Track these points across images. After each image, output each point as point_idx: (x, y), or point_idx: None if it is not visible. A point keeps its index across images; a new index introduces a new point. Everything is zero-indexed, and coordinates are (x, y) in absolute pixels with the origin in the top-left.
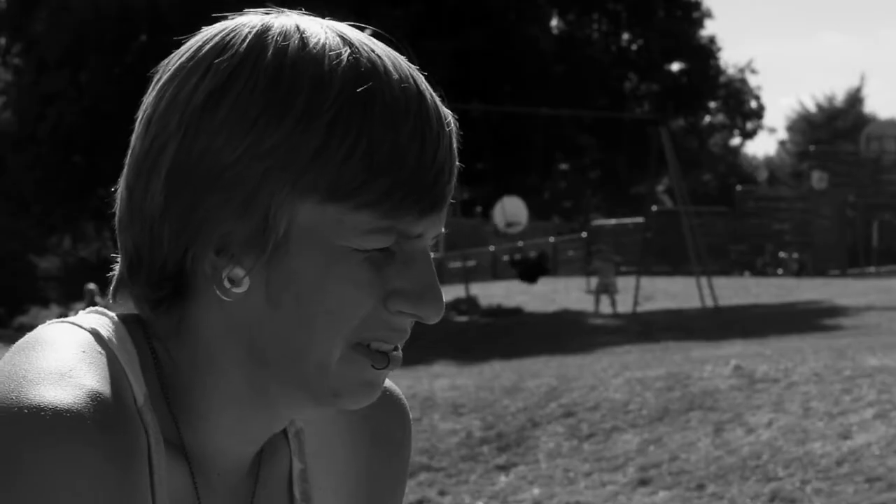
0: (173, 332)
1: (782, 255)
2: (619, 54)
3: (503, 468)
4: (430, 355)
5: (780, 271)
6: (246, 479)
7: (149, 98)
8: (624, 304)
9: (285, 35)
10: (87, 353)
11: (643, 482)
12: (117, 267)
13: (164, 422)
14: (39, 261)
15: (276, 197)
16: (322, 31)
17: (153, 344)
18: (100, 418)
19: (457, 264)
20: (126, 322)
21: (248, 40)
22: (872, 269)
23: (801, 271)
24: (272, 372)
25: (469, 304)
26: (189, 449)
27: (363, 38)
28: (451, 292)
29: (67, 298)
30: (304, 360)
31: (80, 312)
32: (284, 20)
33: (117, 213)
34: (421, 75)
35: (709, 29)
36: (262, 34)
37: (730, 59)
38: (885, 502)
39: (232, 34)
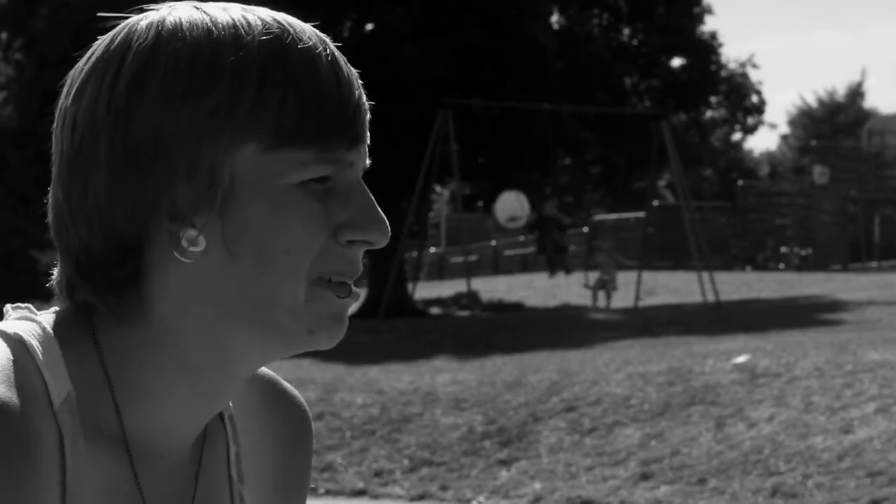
0: (131, 317)
1: (784, 249)
2: (620, 50)
3: (505, 463)
4: (432, 350)
5: (781, 266)
6: (188, 463)
7: (65, 103)
8: (625, 299)
9: (189, 13)
10: None
11: (645, 476)
12: (58, 274)
13: (102, 413)
14: (41, 256)
15: (219, 153)
16: (219, 7)
17: (97, 337)
18: None
19: (458, 259)
20: (58, 324)
21: (155, 24)
22: (874, 264)
23: (803, 265)
24: (240, 326)
25: (470, 298)
26: (131, 435)
27: (253, 7)
28: (452, 287)
29: None
30: (275, 305)
31: (12, 313)
32: (180, 7)
33: (53, 221)
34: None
35: (709, 24)
36: (164, 19)
37: (731, 54)
38: (887, 497)
39: (135, 25)
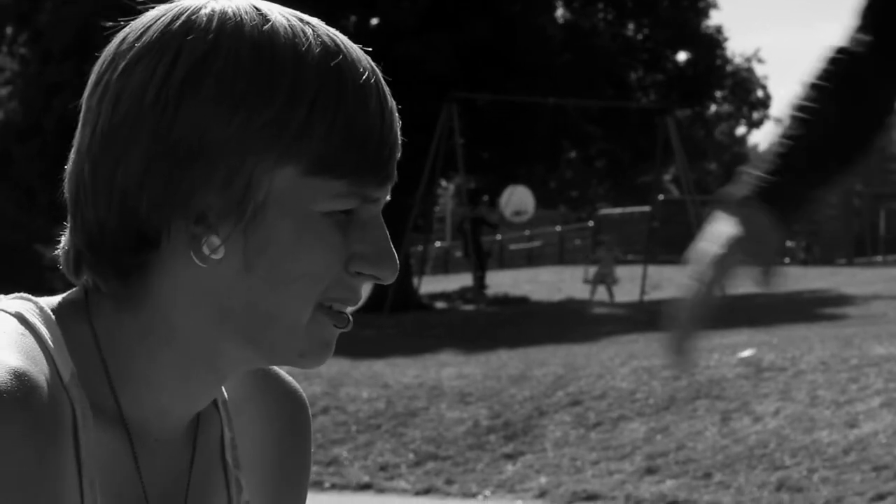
0: (130, 304)
1: (789, 244)
2: (625, 44)
3: (510, 457)
4: (437, 344)
5: (786, 260)
6: (183, 448)
7: (110, 75)
8: (630, 294)
9: (251, 12)
10: (9, 335)
11: (650, 471)
12: (65, 244)
13: (99, 394)
14: (45, 251)
15: (259, 169)
16: (276, 9)
17: (94, 322)
18: (19, 395)
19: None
20: (54, 304)
21: (217, 16)
22: (879, 258)
23: (808, 259)
24: (236, 335)
25: (475, 292)
26: (128, 417)
27: (311, 19)
28: (457, 281)
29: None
30: (275, 322)
31: (3, 299)
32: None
33: (72, 190)
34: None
35: (714, 19)
36: (226, 12)
37: (736, 48)
38: (892, 491)
39: (196, 12)
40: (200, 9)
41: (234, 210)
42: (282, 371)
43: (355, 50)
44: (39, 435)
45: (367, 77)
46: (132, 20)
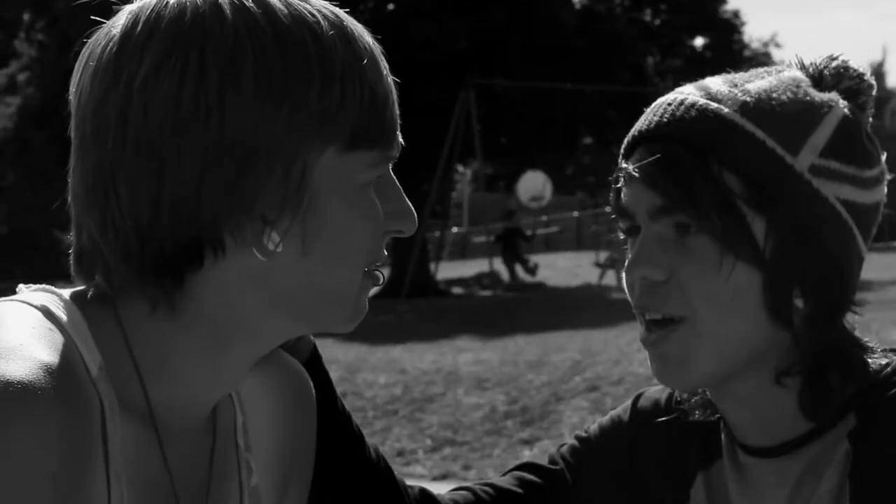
0: (167, 305)
1: None
2: (642, 28)
3: (527, 442)
4: (454, 330)
5: None
6: (204, 435)
7: (128, 87)
8: None
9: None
10: (37, 329)
11: None
12: (83, 253)
13: (127, 387)
14: (63, 236)
15: (311, 156)
16: None
17: (121, 318)
18: (51, 389)
19: (480, 239)
20: (80, 300)
21: (223, 10)
22: None
23: None
24: (286, 315)
25: (492, 278)
26: (155, 410)
27: None
28: (474, 267)
29: None
30: (330, 296)
31: (26, 290)
32: None
33: (101, 201)
34: None
35: (732, 3)
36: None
37: (753, 33)
38: None
39: (199, 8)
40: (198, 5)
41: (293, 199)
42: (282, 351)
43: (351, 20)
44: (73, 430)
45: (369, 40)
46: (99, 28)
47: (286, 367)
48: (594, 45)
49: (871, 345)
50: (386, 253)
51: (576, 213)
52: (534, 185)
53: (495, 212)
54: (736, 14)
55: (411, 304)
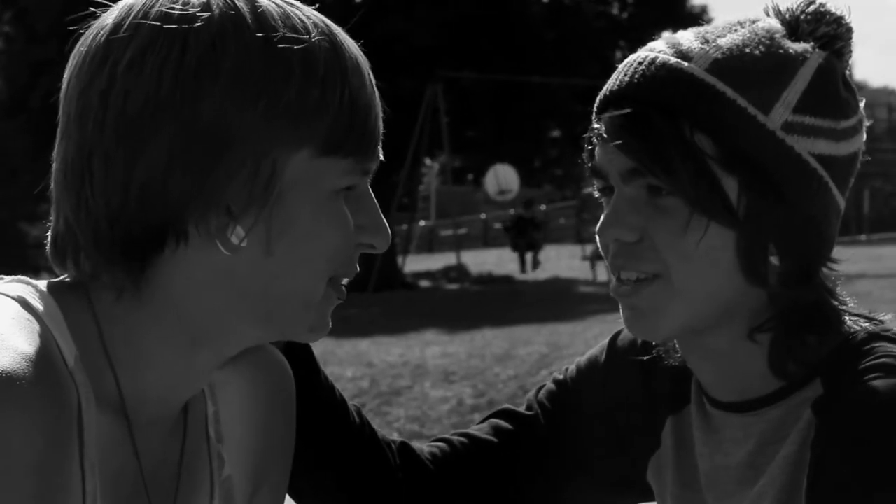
0: (135, 292)
1: None
2: (610, 21)
3: None
4: (421, 323)
5: None
6: (175, 427)
7: (113, 70)
8: None
9: None
10: (16, 319)
11: None
12: (57, 236)
13: (101, 378)
14: (30, 228)
15: (282, 154)
16: None
17: (95, 308)
18: (34, 379)
19: (448, 232)
20: (55, 291)
21: (211, 6)
22: (863, 237)
23: None
24: (251, 316)
25: (459, 271)
26: (128, 402)
27: (294, 2)
28: (441, 260)
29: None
30: (292, 300)
31: (1, 282)
32: None
33: (77, 182)
34: None
35: None
36: None
37: None
38: None
39: (187, 2)
40: (190, 1)
41: (260, 196)
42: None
43: (336, 26)
44: (53, 421)
45: (357, 52)
46: (103, 12)
47: (264, 355)
48: (563, 37)
49: (847, 302)
50: (356, 268)
51: (543, 207)
52: (501, 178)
53: (463, 205)
54: (703, 9)
55: (379, 298)
